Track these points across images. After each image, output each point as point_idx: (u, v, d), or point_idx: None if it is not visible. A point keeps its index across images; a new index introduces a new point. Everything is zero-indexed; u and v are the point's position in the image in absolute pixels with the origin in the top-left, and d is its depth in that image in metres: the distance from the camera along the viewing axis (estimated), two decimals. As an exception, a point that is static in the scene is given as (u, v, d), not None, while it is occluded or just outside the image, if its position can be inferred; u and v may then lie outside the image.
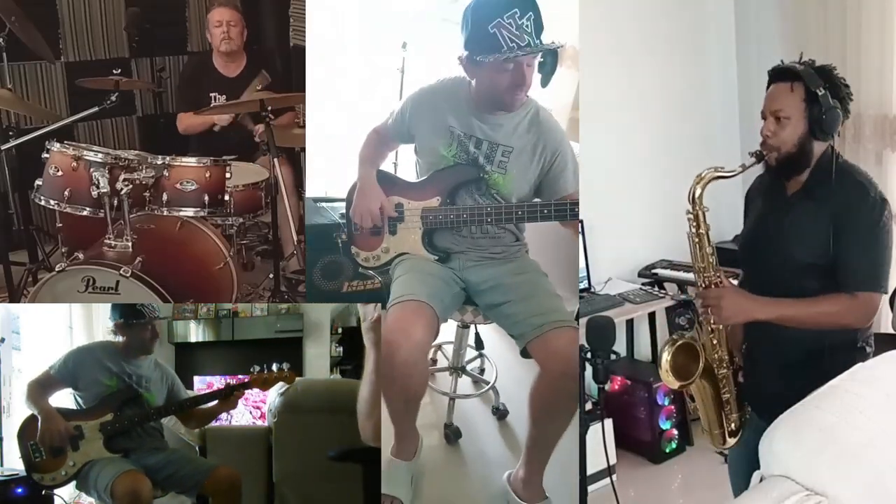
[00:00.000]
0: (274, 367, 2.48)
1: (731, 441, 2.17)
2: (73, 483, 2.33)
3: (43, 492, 2.35)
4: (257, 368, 2.48)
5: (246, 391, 2.56)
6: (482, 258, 2.51)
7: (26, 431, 2.29)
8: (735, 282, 2.17)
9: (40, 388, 2.34)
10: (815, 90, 1.91)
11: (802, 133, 1.95)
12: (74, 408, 2.38)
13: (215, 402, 2.47)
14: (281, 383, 2.59)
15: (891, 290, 3.07)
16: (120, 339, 2.45)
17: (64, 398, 2.40)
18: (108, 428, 2.30)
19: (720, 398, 2.13)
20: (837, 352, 2.00)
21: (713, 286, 2.03)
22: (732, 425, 2.15)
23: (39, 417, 2.27)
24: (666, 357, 2.02)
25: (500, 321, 2.47)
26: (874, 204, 1.92)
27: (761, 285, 2.03)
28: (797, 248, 1.99)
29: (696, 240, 2.04)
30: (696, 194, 2.00)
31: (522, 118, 2.40)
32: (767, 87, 2.02)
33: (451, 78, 2.45)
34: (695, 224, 2.03)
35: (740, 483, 2.18)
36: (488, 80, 2.31)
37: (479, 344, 3.38)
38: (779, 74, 1.99)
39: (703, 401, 2.14)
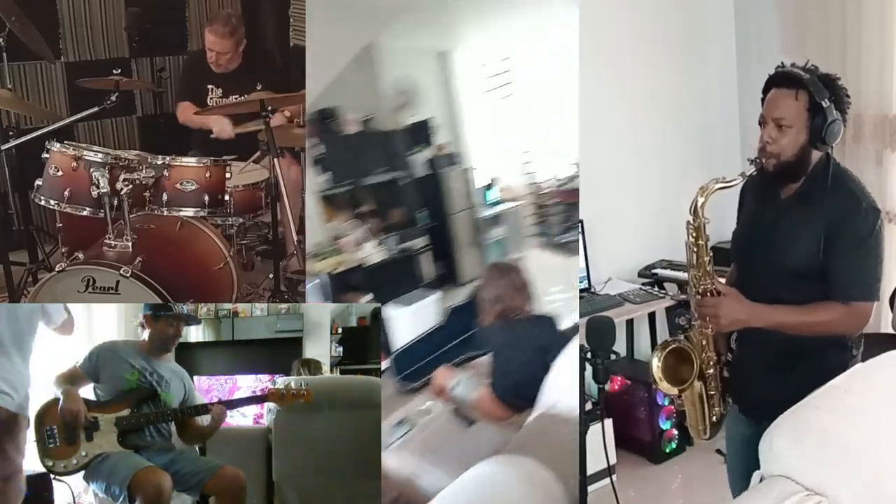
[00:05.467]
0: (293, 384, 2.48)
1: (710, 433, 2.19)
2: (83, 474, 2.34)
3: (53, 477, 2.36)
4: (278, 382, 2.48)
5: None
6: None
7: (45, 416, 2.30)
8: (723, 280, 2.18)
9: (67, 379, 2.36)
10: (821, 101, 1.88)
11: (803, 142, 1.93)
12: (93, 399, 2.38)
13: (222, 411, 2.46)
14: (279, 382, 2.59)
15: (890, 291, 3.09)
16: (145, 335, 2.45)
17: (85, 391, 2.41)
18: (123, 423, 2.31)
19: (707, 395, 2.15)
20: (825, 352, 2.02)
21: (709, 294, 2.02)
22: (714, 418, 2.17)
23: (61, 397, 2.28)
24: (656, 364, 2.04)
25: None
26: (867, 214, 1.92)
27: (752, 286, 2.04)
28: (788, 253, 2.00)
29: (695, 250, 2.02)
30: (699, 205, 1.99)
31: None
32: (766, 91, 1.98)
33: None
34: (694, 235, 2.02)
35: (738, 483, 2.18)
36: None
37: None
38: (782, 80, 1.94)
39: (692, 399, 2.16)
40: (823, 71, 1.97)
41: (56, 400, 2.30)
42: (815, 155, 1.97)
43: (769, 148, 1.95)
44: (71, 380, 2.35)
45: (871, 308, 1.96)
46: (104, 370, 2.37)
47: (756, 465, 1.76)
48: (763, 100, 2.00)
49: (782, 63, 1.99)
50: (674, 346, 2.04)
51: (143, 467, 2.23)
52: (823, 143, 1.92)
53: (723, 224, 2.28)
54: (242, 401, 2.56)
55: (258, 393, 2.59)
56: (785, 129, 1.92)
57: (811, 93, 1.88)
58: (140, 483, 2.19)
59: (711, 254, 2.04)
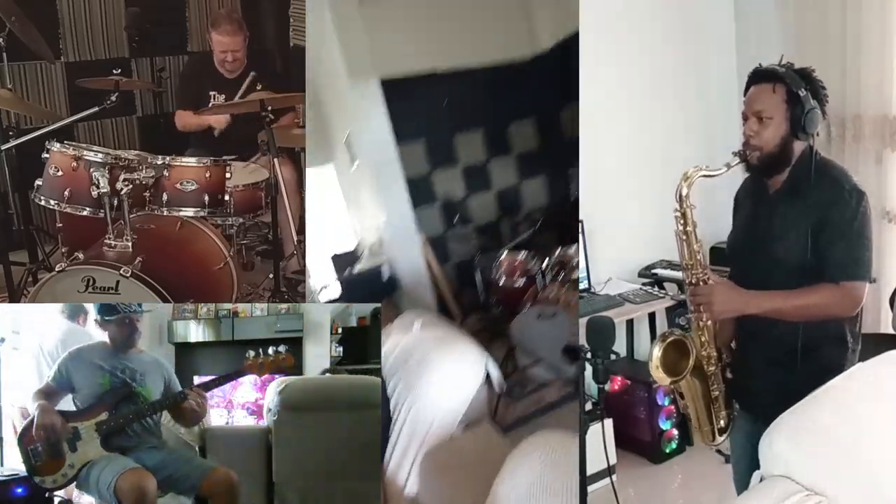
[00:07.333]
0: (270, 351, 2.44)
1: (721, 438, 2.19)
2: (75, 484, 2.33)
3: (46, 494, 2.35)
4: (252, 354, 2.43)
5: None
6: None
7: (27, 435, 2.29)
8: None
9: (43, 395, 2.35)
10: (797, 91, 1.96)
11: (784, 133, 2.00)
12: (73, 410, 2.37)
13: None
14: (279, 382, 2.58)
15: (890, 290, 3.09)
16: (106, 335, 2.44)
17: (63, 403, 2.40)
18: (103, 427, 2.29)
19: (710, 395, 2.16)
20: (824, 348, 2.04)
21: (701, 283, 2.05)
22: (721, 422, 2.18)
23: (36, 412, 2.27)
24: (657, 353, 2.05)
25: None
26: (850, 197, 1.96)
27: (750, 284, 2.05)
28: (782, 247, 2.02)
29: (684, 237, 2.07)
30: (683, 193, 2.03)
31: None
32: (747, 89, 2.08)
33: None
34: (682, 222, 2.06)
35: (743, 484, 2.18)
36: None
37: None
38: (760, 76, 2.04)
39: (693, 398, 2.16)
40: (822, 71, 2.04)
41: (34, 418, 2.29)
42: (798, 147, 2.03)
43: (752, 141, 2.03)
44: (47, 396, 2.33)
45: (863, 288, 1.97)
46: (76, 379, 2.34)
47: (758, 465, 1.77)
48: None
49: (760, 64, 2.07)
50: (673, 338, 2.06)
51: (127, 469, 2.21)
52: (804, 132, 1.98)
53: (716, 225, 2.28)
54: (221, 379, 2.48)
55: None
56: (766, 121, 2.01)
57: (788, 84, 1.97)
58: (123, 485, 2.16)
59: (701, 241, 2.08)
